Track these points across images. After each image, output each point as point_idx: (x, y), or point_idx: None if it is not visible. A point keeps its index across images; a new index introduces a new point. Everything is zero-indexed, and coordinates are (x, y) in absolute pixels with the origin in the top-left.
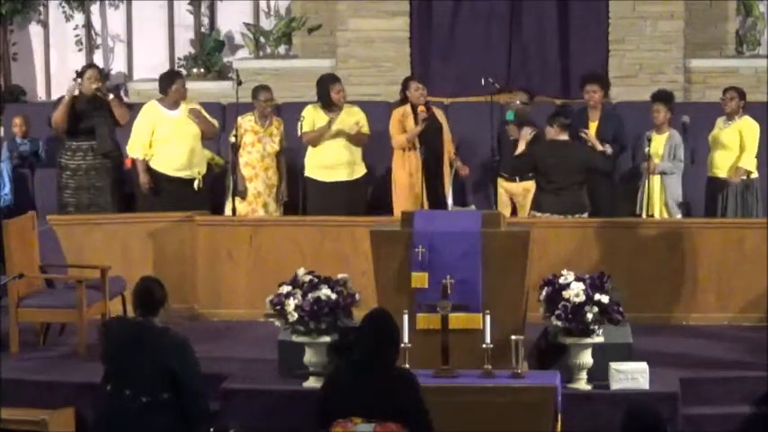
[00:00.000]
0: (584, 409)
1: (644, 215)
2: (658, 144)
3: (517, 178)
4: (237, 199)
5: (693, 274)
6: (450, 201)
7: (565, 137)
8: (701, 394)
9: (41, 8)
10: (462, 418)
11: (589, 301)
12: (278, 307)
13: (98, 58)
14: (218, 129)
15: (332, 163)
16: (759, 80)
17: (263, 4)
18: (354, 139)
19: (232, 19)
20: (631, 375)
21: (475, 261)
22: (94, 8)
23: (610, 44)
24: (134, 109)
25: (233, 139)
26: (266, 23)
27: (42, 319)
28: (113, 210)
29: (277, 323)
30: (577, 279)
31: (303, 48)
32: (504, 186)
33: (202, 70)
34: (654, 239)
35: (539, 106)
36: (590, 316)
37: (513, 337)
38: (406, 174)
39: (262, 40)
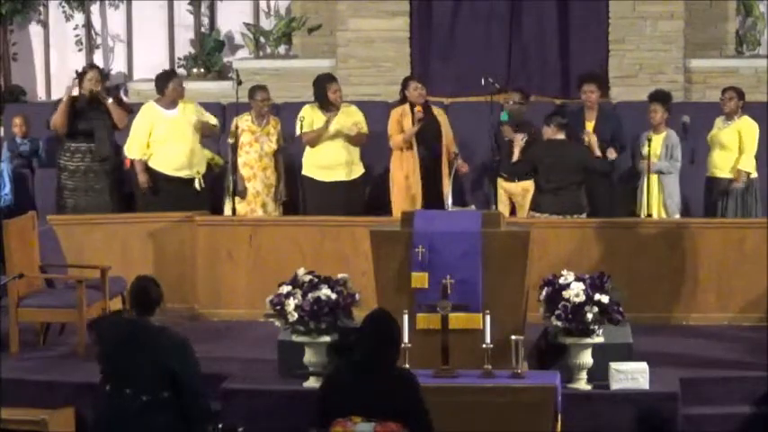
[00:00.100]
0: (584, 409)
1: (642, 215)
2: (656, 144)
3: (516, 178)
4: (237, 199)
5: (693, 274)
6: (449, 201)
7: (562, 136)
8: (701, 394)
9: (41, 8)
10: (462, 418)
11: (589, 301)
12: (278, 307)
13: (98, 58)
14: (219, 128)
15: (330, 163)
16: (759, 80)
17: (263, 4)
18: (353, 139)
19: (232, 19)
20: (631, 375)
21: (475, 261)
22: (94, 8)
23: (610, 44)
24: (133, 110)
25: (231, 140)
26: (266, 23)
27: (42, 319)
28: (111, 211)
29: (277, 323)
30: (577, 279)
31: (303, 48)
32: (503, 186)
33: (202, 70)
34: (654, 239)
35: (535, 106)
36: (590, 316)
37: (513, 337)
38: (403, 174)
39: (262, 40)
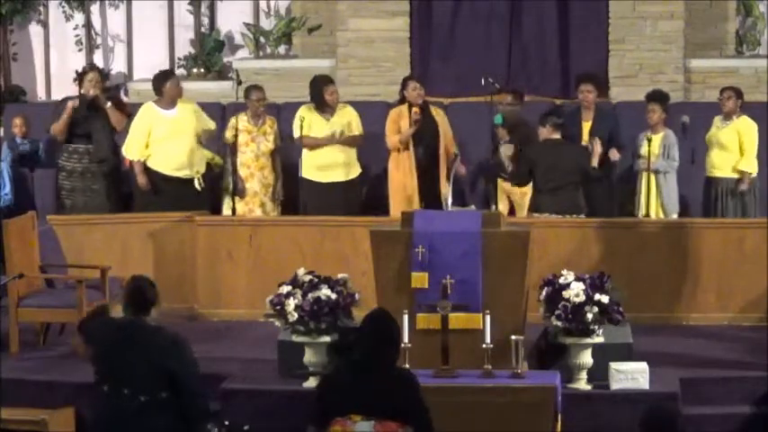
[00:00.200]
0: (584, 409)
1: (640, 215)
2: (654, 144)
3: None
4: (236, 198)
5: (693, 274)
6: (449, 201)
7: (557, 136)
8: (701, 394)
9: (41, 8)
10: (462, 418)
11: (589, 301)
12: (278, 307)
13: (98, 58)
14: (217, 131)
15: (328, 164)
16: (759, 80)
17: (263, 4)
18: (348, 141)
19: (232, 19)
20: (631, 375)
21: (475, 261)
22: (94, 8)
23: (610, 44)
24: (132, 114)
25: (230, 137)
26: (266, 23)
27: (42, 319)
28: (109, 212)
29: (277, 323)
30: (577, 279)
31: (303, 48)
32: (502, 186)
33: (202, 70)
34: (654, 239)
35: (530, 106)
36: (590, 316)
37: (513, 337)
38: (400, 174)
39: (262, 40)
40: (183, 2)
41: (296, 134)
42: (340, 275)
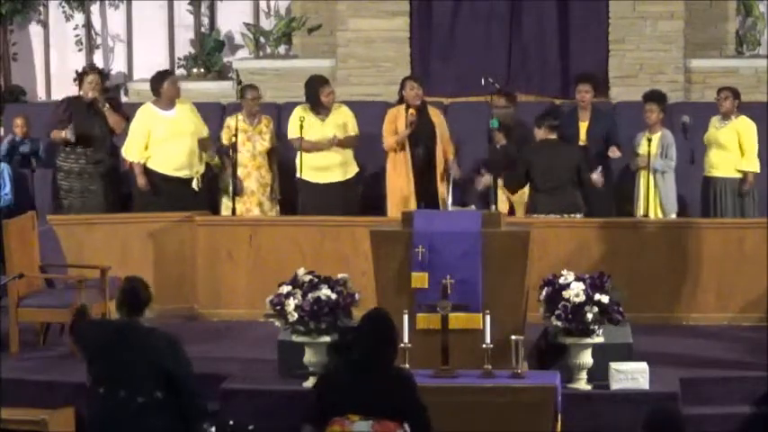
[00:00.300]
0: (584, 409)
1: (638, 214)
2: (652, 144)
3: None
4: (235, 198)
5: (693, 274)
6: (449, 201)
7: (554, 136)
8: (701, 394)
9: (41, 8)
10: (462, 418)
11: (589, 301)
12: (278, 307)
13: (98, 58)
14: (210, 136)
15: (325, 165)
16: (759, 80)
17: (263, 4)
18: (344, 142)
19: (232, 19)
20: (631, 375)
21: (475, 261)
22: (94, 8)
23: (610, 44)
24: (130, 117)
25: (230, 136)
26: (266, 23)
27: (42, 319)
28: (105, 213)
29: (277, 323)
30: (577, 279)
31: (303, 48)
32: (501, 186)
33: (202, 70)
34: (654, 239)
35: (525, 106)
36: (590, 316)
37: (513, 337)
38: (396, 175)
39: (262, 40)
40: (183, 2)
41: (293, 135)
42: (340, 275)
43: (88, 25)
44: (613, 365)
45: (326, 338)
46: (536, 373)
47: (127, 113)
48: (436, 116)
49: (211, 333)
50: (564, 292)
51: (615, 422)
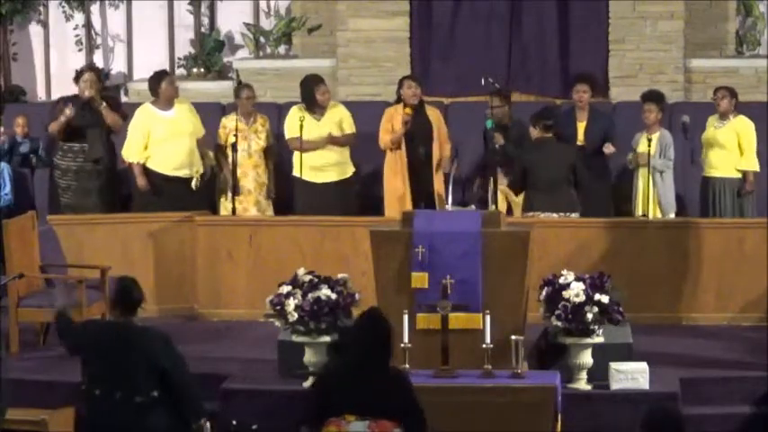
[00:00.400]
0: (584, 409)
1: (637, 214)
2: (651, 144)
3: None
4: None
5: (693, 274)
6: (449, 201)
7: (549, 135)
8: (701, 394)
9: (41, 8)
10: (462, 418)
11: (589, 301)
12: (278, 307)
13: (98, 58)
14: (204, 137)
15: (322, 164)
16: (759, 80)
17: (263, 4)
18: (341, 140)
19: (232, 19)
20: (631, 375)
21: (475, 261)
22: (94, 8)
23: (610, 44)
24: (128, 116)
25: (224, 137)
26: (266, 23)
27: (42, 319)
28: (101, 212)
29: (277, 323)
30: (577, 279)
31: (303, 48)
32: (499, 186)
33: (202, 70)
34: (654, 239)
35: (524, 106)
36: (590, 316)
37: (513, 337)
38: (393, 174)
39: (262, 40)
40: (183, 2)
41: (291, 135)
42: (340, 275)
43: (88, 25)
44: (613, 365)
45: (326, 338)
46: (536, 373)
47: (125, 112)
48: (434, 115)
49: (211, 333)
50: (564, 292)
51: (615, 422)
